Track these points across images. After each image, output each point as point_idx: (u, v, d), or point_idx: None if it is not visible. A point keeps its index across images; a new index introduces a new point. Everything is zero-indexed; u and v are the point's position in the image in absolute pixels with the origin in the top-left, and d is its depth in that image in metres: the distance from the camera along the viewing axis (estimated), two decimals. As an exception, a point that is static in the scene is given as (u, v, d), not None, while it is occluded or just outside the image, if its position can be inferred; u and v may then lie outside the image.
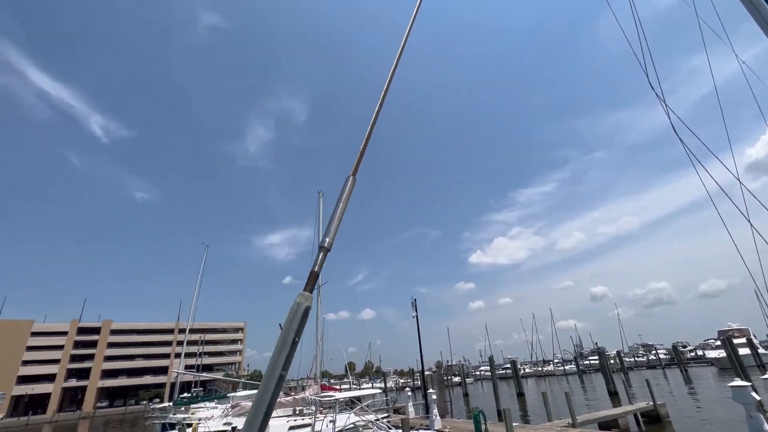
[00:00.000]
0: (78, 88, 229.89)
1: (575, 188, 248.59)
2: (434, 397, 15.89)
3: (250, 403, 13.53)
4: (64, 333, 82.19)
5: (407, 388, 35.30)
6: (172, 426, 20.60)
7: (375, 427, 11.13)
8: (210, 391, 65.07)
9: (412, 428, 10.52)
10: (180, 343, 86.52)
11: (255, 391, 27.98)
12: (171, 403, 31.03)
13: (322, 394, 12.32)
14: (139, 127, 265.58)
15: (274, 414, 17.28)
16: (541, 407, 19.92)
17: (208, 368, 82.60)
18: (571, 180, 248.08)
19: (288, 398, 15.43)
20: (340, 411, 12.49)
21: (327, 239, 1.78)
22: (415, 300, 22.05)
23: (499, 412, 23.94)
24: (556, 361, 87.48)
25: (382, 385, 55.00)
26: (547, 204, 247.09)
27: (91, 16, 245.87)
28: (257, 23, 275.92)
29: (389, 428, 11.15)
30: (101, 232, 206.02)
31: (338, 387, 37.51)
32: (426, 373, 27.80)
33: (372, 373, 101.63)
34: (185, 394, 44.51)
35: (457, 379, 63.06)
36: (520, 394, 36.37)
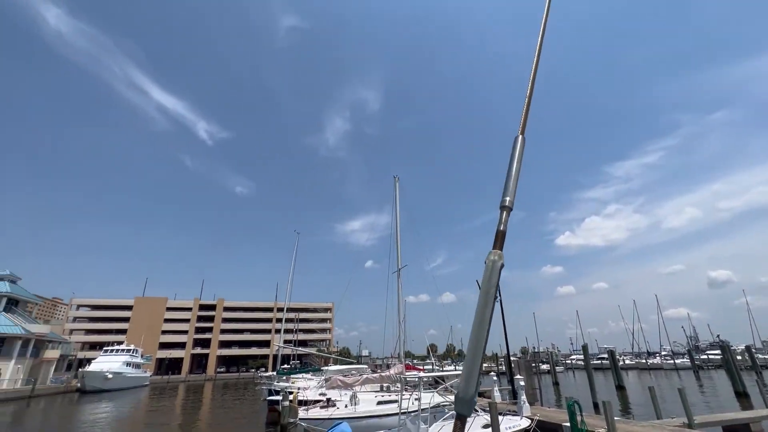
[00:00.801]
0: (187, 99, 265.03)
1: (688, 157, 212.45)
2: (522, 383, 15.40)
3: (342, 377, 14.63)
4: (189, 309, 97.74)
5: (491, 373, 34.51)
6: (276, 392, 23.34)
7: None
8: (306, 364, 71.83)
9: (499, 413, 10.38)
10: (279, 321, 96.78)
11: (346, 366, 30.03)
12: (275, 373, 35.12)
13: (407, 373, 12.80)
14: (236, 129, 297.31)
15: (362, 389, 18.52)
16: (646, 403, 17.95)
17: (302, 344, 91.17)
18: (682, 148, 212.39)
19: (375, 375, 16.32)
20: (425, 390, 12.84)
21: (507, 198, 1.81)
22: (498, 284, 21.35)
23: (595, 404, 22.27)
24: (664, 353, 77.68)
25: (465, 368, 54.71)
26: (650, 177, 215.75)
27: (192, 34, 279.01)
28: (331, 18, 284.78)
29: (477, 411, 11.16)
30: (212, 223, 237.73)
31: (421, 367, 38.43)
32: (511, 358, 26.96)
33: (454, 355, 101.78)
34: (285, 366, 49.93)
35: (545, 366, 59.96)
36: (620, 387, 33.25)
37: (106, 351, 59.82)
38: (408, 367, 20.92)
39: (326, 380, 17.95)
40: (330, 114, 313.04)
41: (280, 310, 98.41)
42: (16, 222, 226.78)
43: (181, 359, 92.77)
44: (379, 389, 21.34)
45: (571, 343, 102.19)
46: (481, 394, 23.43)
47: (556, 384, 42.48)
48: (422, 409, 10.27)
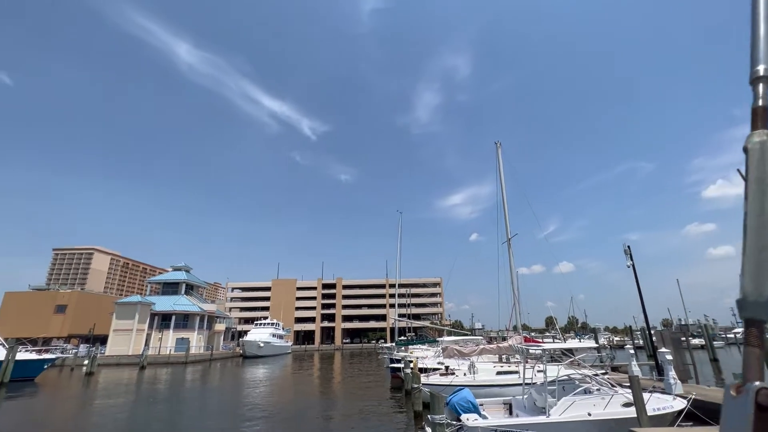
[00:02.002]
0: (290, 100, 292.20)
1: None
2: (669, 357, 13.36)
3: (458, 347, 14.82)
4: (314, 288, 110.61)
5: (627, 346, 30.73)
6: (397, 361, 24.96)
7: (594, 383, 10.32)
8: (420, 336, 74.77)
9: (643, 389, 9.24)
10: (392, 296, 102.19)
11: (460, 338, 30.25)
12: (393, 344, 37.55)
13: (528, 344, 12.29)
14: (334, 121, 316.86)
15: (480, 359, 18.48)
16: None
17: (416, 317, 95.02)
18: None
19: (491, 346, 16.11)
20: (549, 362, 12.17)
21: (761, 67, 1.50)
22: (629, 247, 18.65)
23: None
24: None
25: (592, 342, 50.02)
26: None
27: (285, 37, 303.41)
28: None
29: (612, 386, 10.13)
30: (324, 211, 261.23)
31: (540, 340, 36.41)
32: (651, 331, 23.50)
33: (577, 328, 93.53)
34: (402, 337, 52.98)
35: (697, 341, 50.80)
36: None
37: (256, 324, 72.01)
38: (527, 340, 20.03)
39: (443, 350, 18.42)
40: (419, 90, 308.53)
41: (392, 286, 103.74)
42: (175, 221, 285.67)
43: (313, 331, 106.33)
44: (497, 360, 21.06)
45: (734, 314, 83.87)
46: (614, 369, 21.17)
47: (714, 360, 35.79)
48: (549, 381, 9.79)
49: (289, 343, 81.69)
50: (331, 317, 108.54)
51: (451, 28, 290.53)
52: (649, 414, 8.65)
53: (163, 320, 53.10)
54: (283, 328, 78.23)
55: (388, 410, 15.59)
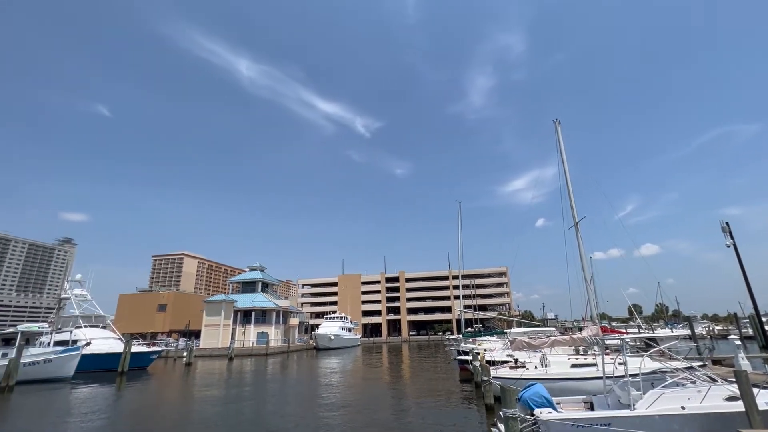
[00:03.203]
0: (343, 101, 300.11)
1: None
2: (786, 349, 11.48)
3: (527, 339, 14.23)
4: (378, 282, 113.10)
5: (732, 336, 27.12)
6: (465, 353, 24.65)
7: (687, 376, 9.13)
8: (488, 328, 72.75)
9: (754, 385, 7.92)
10: (456, 288, 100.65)
11: (530, 329, 29.00)
12: (460, 336, 37.09)
13: (605, 335, 11.37)
14: (387, 116, 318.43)
15: (553, 351, 17.53)
16: None
17: (482, 308, 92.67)
18: None
19: (564, 337, 15.19)
20: (633, 354, 11.16)
21: None
22: (727, 224, 16.29)
23: None
24: None
25: (687, 331, 44.48)
26: None
27: (332, 38, 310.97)
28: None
29: (713, 380, 8.88)
30: (381, 205, 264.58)
31: (623, 330, 33.44)
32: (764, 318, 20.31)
33: (667, 317, 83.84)
34: (469, 329, 52.04)
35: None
36: None
37: (326, 318, 75.79)
38: (605, 330, 18.57)
39: (511, 342, 17.84)
40: (470, 75, 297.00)
41: (455, 277, 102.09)
42: (248, 224, 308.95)
43: (380, 324, 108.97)
44: (573, 352, 19.82)
45: None
46: (715, 362, 18.71)
47: None
48: (633, 375, 8.94)
49: (358, 336, 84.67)
50: (396, 310, 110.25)
51: (500, 6, 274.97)
52: (760, 408, 7.21)
53: (244, 316, 58.25)
54: (351, 322, 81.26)
55: (458, 402, 15.54)
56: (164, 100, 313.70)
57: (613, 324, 51.64)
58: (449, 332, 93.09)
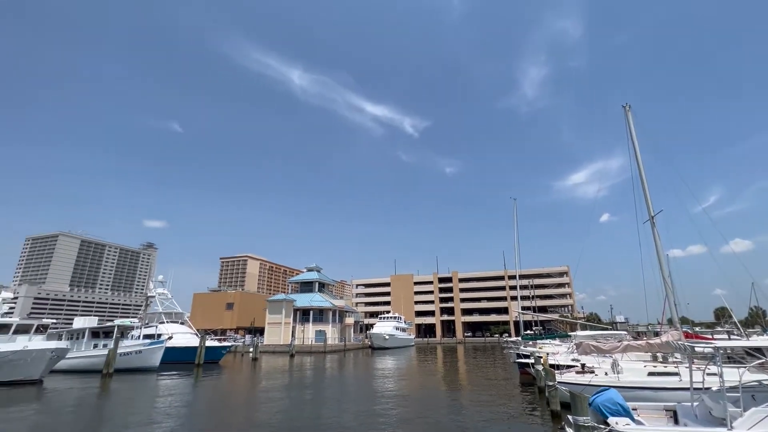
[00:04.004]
0: (390, 103, 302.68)
1: None
2: None
3: (595, 343, 13.30)
4: (431, 282, 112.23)
5: None
6: (525, 356, 23.62)
7: None
8: (548, 331, 68.94)
9: None
10: (512, 288, 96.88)
11: (598, 332, 27.07)
12: (519, 338, 35.60)
13: (690, 341, 10.24)
14: (434, 115, 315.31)
15: (626, 357, 16.16)
16: None
17: (542, 310, 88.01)
18: None
19: (639, 342, 13.94)
20: (728, 364, 9.93)
21: None
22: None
23: None
24: None
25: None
26: None
27: (378, 39, 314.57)
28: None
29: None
30: (432, 205, 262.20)
31: (709, 337, 29.85)
32: None
33: (765, 322, 73.02)
34: (528, 331, 49.73)
35: None
36: None
37: (380, 318, 76.76)
38: (687, 335, 16.77)
39: (576, 346, 16.75)
40: (522, 66, 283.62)
41: (512, 277, 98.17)
42: (304, 226, 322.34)
43: (433, 325, 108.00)
44: (650, 359, 18.10)
45: None
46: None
47: None
48: (731, 387, 7.85)
49: (412, 336, 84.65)
50: (449, 311, 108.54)
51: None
52: None
53: (303, 315, 60.99)
54: (405, 322, 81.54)
55: (520, 407, 14.95)
56: (226, 113, 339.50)
57: (697, 329, 46.25)
58: (506, 334, 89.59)
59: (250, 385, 23.20)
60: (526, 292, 75.63)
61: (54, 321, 35.81)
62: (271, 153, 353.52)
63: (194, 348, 35.18)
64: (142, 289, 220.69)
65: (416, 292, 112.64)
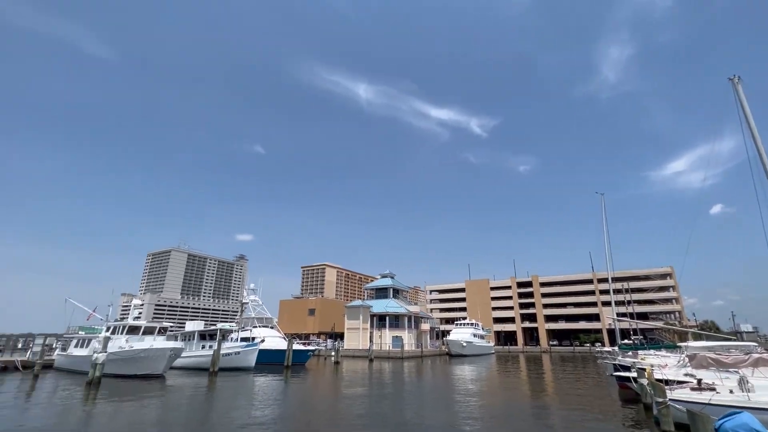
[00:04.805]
0: (455, 105, 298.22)
1: None
2: None
3: (714, 355, 11.47)
4: (508, 287, 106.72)
5: None
6: (624, 368, 21.22)
7: None
8: (651, 340, 60.90)
9: None
10: (603, 292, 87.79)
11: (716, 343, 23.33)
12: (616, 348, 32.04)
13: None
14: (503, 112, 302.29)
15: (757, 373, 13.61)
16: None
17: (641, 316, 78.02)
18: None
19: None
20: None
21: None
22: None
23: None
24: None
25: None
26: None
27: (442, 49, 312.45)
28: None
29: None
30: (506, 206, 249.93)
31: None
32: None
33: None
34: (626, 341, 44.41)
35: None
36: None
37: (456, 324, 75.04)
38: None
39: (690, 358, 14.59)
40: (600, 48, 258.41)
41: (601, 281, 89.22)
42: (376, 235, 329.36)
43: (514, 332, 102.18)
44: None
45: None
46: None
47: None
48: None
49: (491, 344, 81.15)
50: (531, 317, 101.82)
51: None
52: None
53: (379, 320, 62.37)
54: (483, 329, 78.68)
55: (622, 427, 13.44)
56: (301, 132, 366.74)
57: None
58: (599, 343, 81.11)
59: (336, 387, 24.39)
60: (620, 297, 67.84)
61: (171, 324, 41.70)
62: (343, 165, 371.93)
63: (283, 351, 38.09)
64: (237, 297, 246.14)
65: (493, 298, 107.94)
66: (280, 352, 38.28)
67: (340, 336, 70.01)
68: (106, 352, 23.95)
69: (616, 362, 24.33)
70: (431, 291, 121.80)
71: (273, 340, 41.76)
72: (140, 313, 45.28)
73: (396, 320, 62.55)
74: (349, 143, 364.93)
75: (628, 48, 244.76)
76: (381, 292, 70.53)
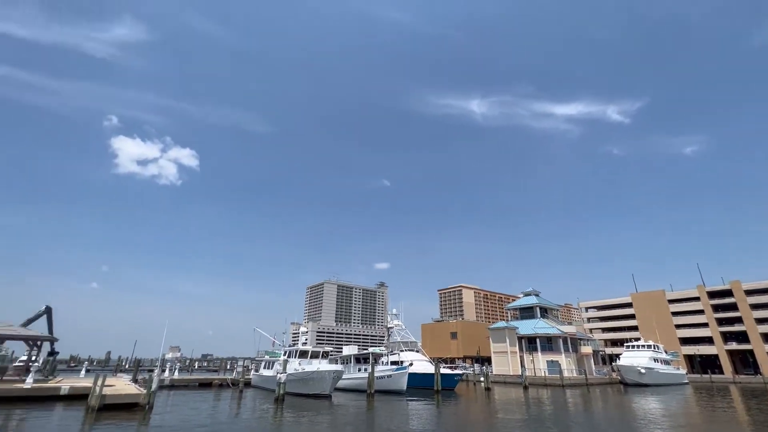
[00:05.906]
0: (585, 95, 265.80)
1: None
2: None
3: None
4: (696, 298, 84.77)
5: None
6: None
7: None
8: None
9: None
10: None
11: None
12: None
13: None
14: (651, 89, 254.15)
15: None
16: None
17: None
18: None
19: None
20: None
21: None
22: None
23: None
24: None
25: None
26: None
27: (557, 38, 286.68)
28: None
29: None
30: (667, 201, 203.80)
31: None
32: None
33: None
34: None
35: None
36: None
37: (627, 347, 63.02)
38: None
39: None
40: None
41: None
42: (506, 253, 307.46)
43: (715, 356, 79.51)
44: None
45: None
46: None
47: None
48: None
49: (682, 371, 64.96)
50: (739, 336, 77.98)
51: None
52: None
53: (529, 343, 57.34)
54: (666, 351, 64.06)
55: None
56: (422, 160, 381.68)
57: None
58: None
59: (492, 416, 23.30)
60: None
61: (331, 349, 47.05)
62: (467, 184, 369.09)
63: (431, 375, 38.49)
64: (382, 322, 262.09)
65: (674, 313, 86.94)
66: (428, 376, 38.78)
67: (486, 360, 66.82)
68: (285, 373, 28.61)
69: None
70: (587, 309, 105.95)
71: (420, 363, 42.71)
72: (306, 339, 52.74)
73: (549, 342, 56.44)
74: (470, 161, 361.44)
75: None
76: (526, 312, 65.07)
